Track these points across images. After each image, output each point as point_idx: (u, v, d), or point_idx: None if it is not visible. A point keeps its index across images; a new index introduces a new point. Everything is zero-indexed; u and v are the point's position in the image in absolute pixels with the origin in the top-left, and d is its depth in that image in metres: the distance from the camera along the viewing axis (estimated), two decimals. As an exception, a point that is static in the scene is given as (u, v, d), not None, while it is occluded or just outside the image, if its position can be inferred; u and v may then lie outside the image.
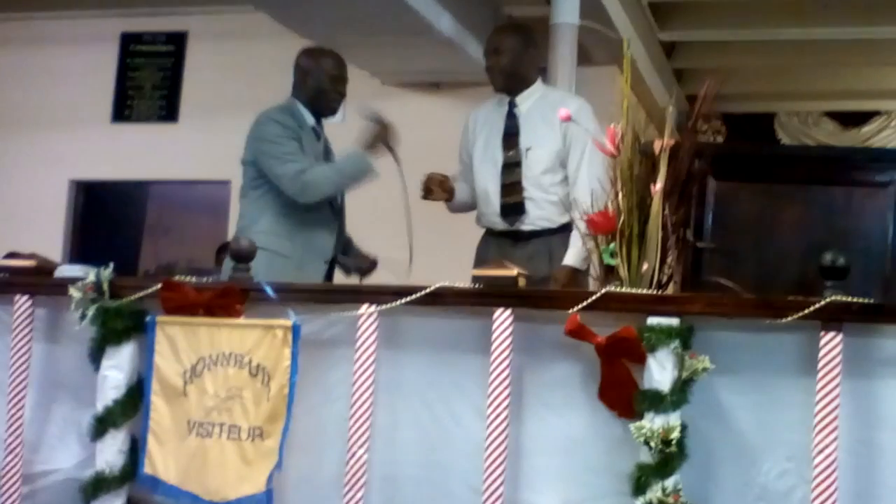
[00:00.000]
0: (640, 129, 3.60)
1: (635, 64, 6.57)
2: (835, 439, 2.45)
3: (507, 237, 4.21)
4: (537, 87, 4.30)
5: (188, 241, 7.95)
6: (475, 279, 2.80)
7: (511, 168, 4.19)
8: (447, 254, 5.08)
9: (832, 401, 2.46)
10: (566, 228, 4.14)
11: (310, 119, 4.38)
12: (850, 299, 2.51)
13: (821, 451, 2.45)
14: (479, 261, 4.09)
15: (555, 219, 4.16)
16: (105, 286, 2.95)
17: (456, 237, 4.72)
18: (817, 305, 2.51)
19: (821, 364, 2.48)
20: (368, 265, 4.52)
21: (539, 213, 4.17)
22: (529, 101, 4.24)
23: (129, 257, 7.69)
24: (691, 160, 2.88)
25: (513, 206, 4.18)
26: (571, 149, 4.08)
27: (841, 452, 2.46)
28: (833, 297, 2.51)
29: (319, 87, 4.37)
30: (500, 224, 4.22)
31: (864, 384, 2.54)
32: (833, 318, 2.50)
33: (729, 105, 8.30)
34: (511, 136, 4.20)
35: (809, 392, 2.50)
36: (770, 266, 3.09)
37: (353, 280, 4.48)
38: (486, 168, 4.24)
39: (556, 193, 4.16)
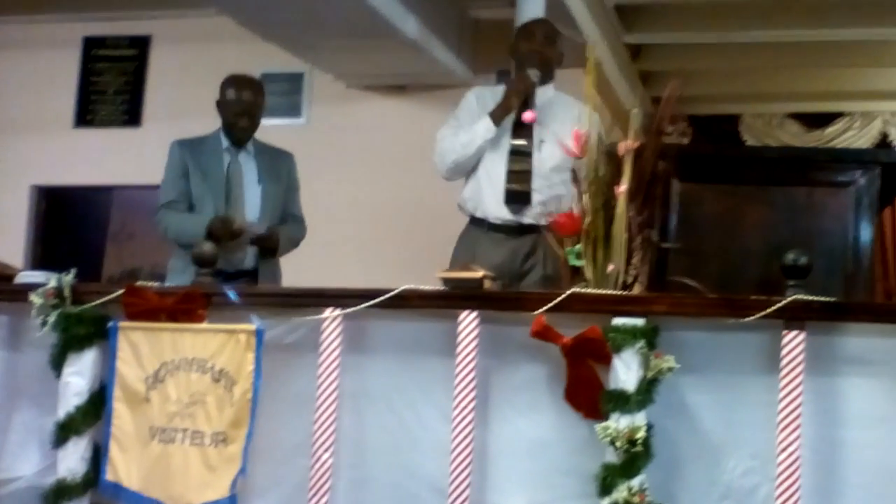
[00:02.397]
0: (606, 131, 3.61)
1: (601, 66, 6.58)
2: (798, 437, 2.47)
3: (501, 230, 4.09)
4: (551, 86, 4.30)
5: (153, 247, 7.87)
6: (441, 281, 2.80)
7: (521, 156, 4.09)
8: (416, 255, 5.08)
9: (795, 399, 2.48)
10: None
11: (224, 144, 4.50)
12: (812, 298, 2.53)
13: (784, 449, 2.47)
14: (464, 256, 3.97)
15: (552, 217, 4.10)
16: (66, 292, 2.92)
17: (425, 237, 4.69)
18: (780, 304, 2.53)
19: (783, 362, 2.50)
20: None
21: (541, 208, 4.11)
22: (546, 95, 4.23)
23: (93, 263, 7.61)
24: (655, 162, 2.89)
25: (519, 194, 4.07)
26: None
27: (804, 450, 2.48)
28: (795, 296, 2.53)
29: (225, 120, 4.51)
30: (498, 212, 4.08)
31: (827, 382, 2.56)
32: (795, 316, 2.52)
33: (694, 107, 8.33)
34: (526, 124, 4.09)
35: (773, 390, 2.52)
36: (734, 266, 3.11)
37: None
38: (491, 151, 4.12)
39: (561, 191, 4.13)
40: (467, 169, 4.16)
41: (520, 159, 4.09)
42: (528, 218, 4.09)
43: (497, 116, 4.09)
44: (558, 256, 4.11)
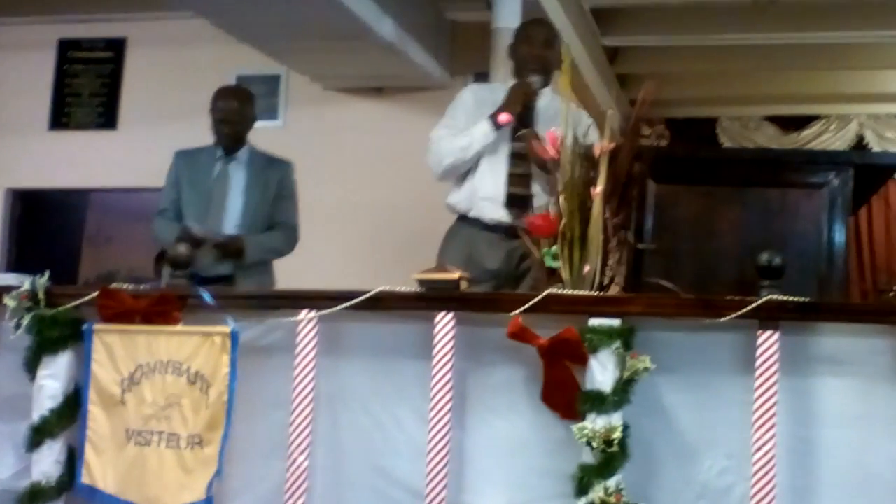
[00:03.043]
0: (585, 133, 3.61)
1: (578, 69, 6.60)
2: (773, 436, 2.48)
3: (496, 231, 4.04)
4: (550, 89, 4.28)
5: (129, 250, 7.84)
6: (417, 283, 2.80)
7: (521, 159, 4.04)
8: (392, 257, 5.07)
9: (770, 398, 2.49)
10: None
11: (217, 153, 4.64)
12: (786, 298, 2.55)
13: (759, 449, 2.48)
14: (457, 254, 3.94)
15: None
16: (41, 295, 2.90)
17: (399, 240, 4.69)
18: (754, 304, 2.54)
19: (758, 362, 2.51)
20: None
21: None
22: (546, 98, 4.21)
23: (69, 266, 7.57)
24: (631, 163, 2.89)
25: (520, 197, 4.02)
26: None
27: (779, 449, 2.49)
28: (770, 297, 2.55)
29: (212, 128, 4.64)
30: (496, 214, 4.04)
31: (802, 381, 2.57)
32: (770, 316, 2.54)
33: (672, 110, 8.37)
34: (526, 126, 4.03)
35: (748, 390, 2.53)
36: (709, 266, 3.12)
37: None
38: (490, 153, 4.09)
39: None
40: (462, 171, 4.13)
41: (520, 162, 4.05)
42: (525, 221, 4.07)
43: (496, 121, 4.06)
44: None
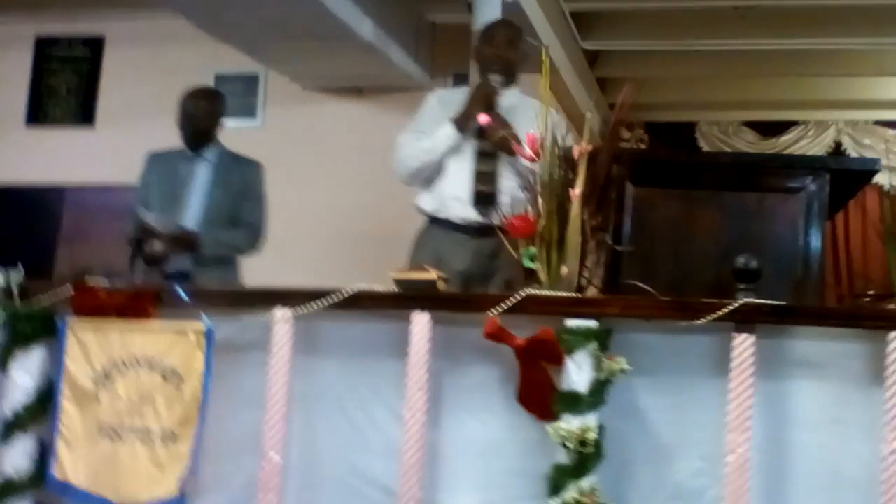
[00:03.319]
0: (564, 136, 3.62)
1: (558, 72, 6.61)
2: (747, 439, 2.49)
3: (464, 231, 4.07)
4: (515, 89, 4.29)
5: (105, 247, 7.80)
6: (394, 282, 2.79)
7: (487, 157, 4.07)
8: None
9: (744, 401, 2.50)
10: None
11: (186, 153, 4.72)
12: (762, 301, 2.55)
13: (733, 451, 2.49)
14: (426, 256, 3.94)
15: None
16: (14, 289, 2.88)
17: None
18: (730, 307, 2.54)
19: (733, 364, 2.51)
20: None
21: (509, 210, 4.07)
22: (511, 98, 4.21)
23: (46, 263, 7.52)
24: (610, 166, 2.90)
25: (487, 195, 4.05)
26: None
27: (753, 452, 2.50)
28: (746, 300, 2.55)
29: (178, 126, 4.74)
30: (464, 213, 4.06)
31: (776, 384, 2.58)
32: (746, 319, 2.54)
33: (651, 114, 8.41)
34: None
35: (723, 392, 2.53)
36: (686, 269, 3.12)
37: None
38: (455, 153, 4.09)
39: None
40: (428, 174, 4.14)
41: (486, 161, 4.07)
42: (493, 219, 4.07)
43: (459, 124, 4.08)
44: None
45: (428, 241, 4.14)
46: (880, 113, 8.32)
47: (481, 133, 4.08)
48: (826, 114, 8.47)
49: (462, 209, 4.06)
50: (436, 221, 4.14)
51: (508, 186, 4.03)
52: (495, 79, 4.12)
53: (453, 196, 4.08)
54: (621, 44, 7.42)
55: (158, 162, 4.75)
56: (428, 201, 4.16)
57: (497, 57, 4.19)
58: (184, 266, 4.42)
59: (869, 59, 7.38)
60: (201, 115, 4.72)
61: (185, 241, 4.47)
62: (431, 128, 4.13)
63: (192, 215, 4.60)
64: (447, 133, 4.07)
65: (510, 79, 4.21)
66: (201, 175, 4.68)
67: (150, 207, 4.59)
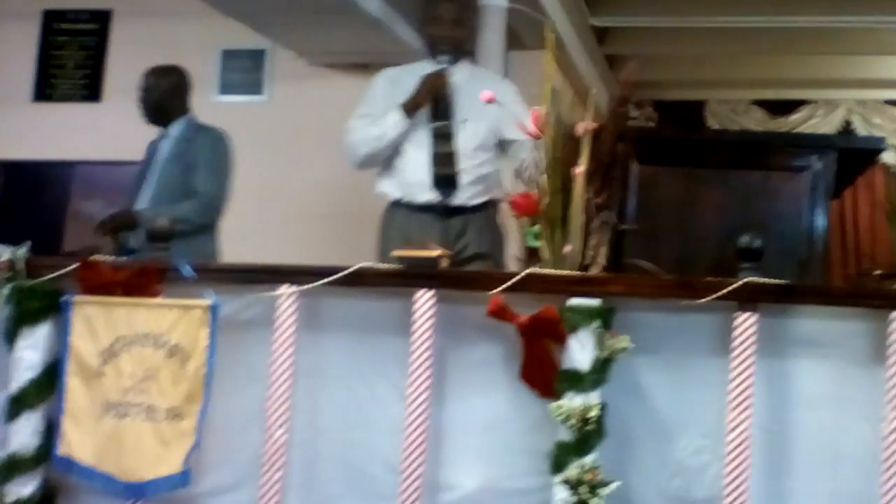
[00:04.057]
0: (569, 113, 3.62)
1: (566, 49, 6.59)
2: (748, 417, 2.50)
3: (429, 212, 4.08)
4: (468, 62, 4.28)
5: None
6: (397, 259, 2.80)
7: (444, 138, 4.07)
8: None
9: (746, 379, 2.51)
10: (490, 206, 4.13)
11: (160, 131, 4.82)
12: (764, 280, 2.56)
13: (734, 429, 2.50)
14: (395, 238, 3.94)
15: (482, 195, 4.12)
16: (20, 265, 2.89)
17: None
18: (733, 286, 2.55)
19: (735, 343, 2.52)
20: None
21: (470, 189, 4.09)
22: (463, 73, 4.20)
23: (54, 240, 7.54)
24: (614, 144, 2.89)
25: (447, 177, 4.05)
26: (507, 123, 3.91)
27: (754, 430, 2.51)
28: (748, 279, 2.55)
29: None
30: (426, 196, 4.07)
31: (779, 363, 2.59)
32: (749, 298, 2.54)
33: (660, 92, 8.37)
34: (445, 105, 4.09)
35: (725, 371, 2.54)
36: (690, 248, 3.12)
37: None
38: (412, 134, 4.09)
39: (487, 169, 4.13)
40: (381, 160, 4.14)
41: (443, 142, 4.07)
42: (456, 200, 4.08)
43: (408, 110, 4.06)
44: (489, 234, 4.15)
45: (395, 223, 4.14)
46: (890, 92, 8.28)
47: (435, 114, 4.07)
48: (836, 93, 8.43)
49: (424, 193, 4.06)
50: (400, 204, 4.14)
51: (468, 165, 4.04)
52: (444, 59, 4.10)
53: (416, 182, 4.08)
54: (630, 20, 7.39)
55: (149, 143, 4.85)
56: (390, 188, 4.16)
57: (444, 37, 4.17)
58: (138, 244, 4.37)
59: (879, 38, 7.34)
60: (152, 91, 4.79)
61: (125, 222, 4.50)
62: (382, 109, 4.13)
63: (147, 193, 4.64)
64: (396, 120, 4.06)
65: (461, 54, 4.19)
66: (163, 151, 4.72)
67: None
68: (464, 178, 4.06)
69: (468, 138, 4.09)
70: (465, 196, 4.08)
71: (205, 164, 4.66)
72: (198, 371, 2.70)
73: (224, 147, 4.76)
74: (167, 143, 4.75)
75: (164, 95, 4.79)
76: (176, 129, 4.77)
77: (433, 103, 4.07)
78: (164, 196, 4.62)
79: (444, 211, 4.07)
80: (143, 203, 4.63)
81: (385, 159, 4.15)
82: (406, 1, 5.60)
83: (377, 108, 4.15)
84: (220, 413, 2.77)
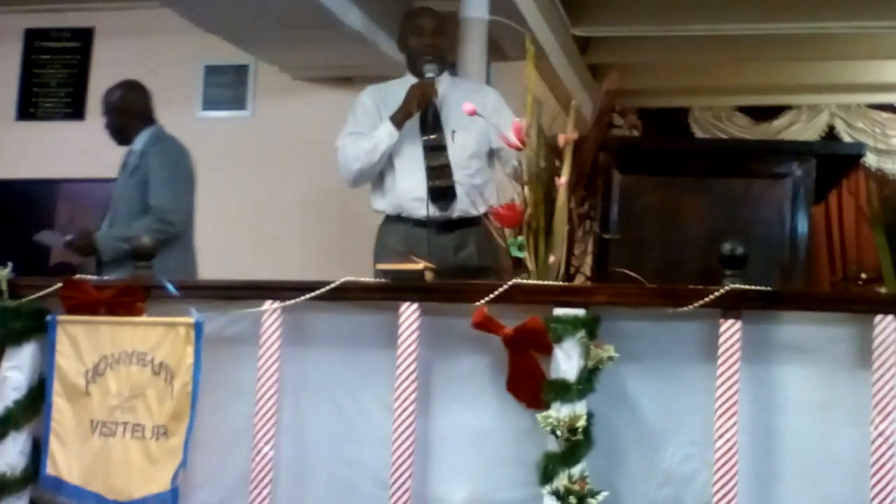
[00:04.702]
0: (551, 123, 3.63)
1: (548, 59, 6.60)
2: (735, 424, 2.50)
3: (427, 226, 4.02)
4: (448, 74, 4.30)
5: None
6: (381, 273, 2.80)
7: (436, 151, 4.06)
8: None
9: (732, 386, 2.51)
10: (487, 217, 4.12)
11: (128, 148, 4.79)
12: (748, 287, 2.56)
13: (721, 436, 2.50)
14: (392, 253, 3.92)
15: (479, 207, 4.10)
16: (3, 286, 2.89)
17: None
18: (717, 293, 2.56)
19: (720, 350, 2.53)
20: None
21: (466, 200, 4.07)
22: (444, 84, 4.21)
23: (39, 258, 7.51)
24: (596, 153, 2.90)
25: (443, 190, 4.03)
26: (495, 131, 3.84)
27: (741, 436, 2.51)
28: (732, 286, 2.56)
29: None
30: (422, 210, 4.02)
31: (764, 369, 2.59)
32: (732, 305, 2.55)
33: (644, 100, 8.41)
34: (433, 117, 4.09)
35: (711, 378, 2.54)
36: (674, 256, 3.13)
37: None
38: (404, 150, 4.08)
39: (481, 178, 4.14)
40: (373, 175, 4.13)
41: (436, 154, 4.06)
42: (454, 212, 4.08)
43: (398, 121, 4.06)
44: (490, 247, 4.14)
45: (395, 235, 4.12)
46: (873, 96, 8.32)
47: (425, 127, 4.07)
48: (819, 98, 8.47)
49: (422, 207, 4.02)
50: (396, 219, 4.13)
51: (462, 176, 4.04)
52: (431, 68, 4.11)
53: (412, 197, 4.06)
54: (612, 30, 7.41)
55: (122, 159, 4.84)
56: (385, 204, 4.15)
57: (426, 46, 4.18)
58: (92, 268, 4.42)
59: (861, 43, 7.38)
60: (106, 112, 4.80)
61: (84, 247, 4.53)
62: (368, 127, 4.13)
63: (111, 212, 4.65)
64: (387, 131, 4.05)
65: (443, 66, 4.20)
66: (129, 165, 4.69)
67: None
68: (460, 189, 4.05)
69: (460, 148, 4.09)
70: (461, 208, 4.07)
71: (155, 178, 4.56)
72: (184, 388, 2.69)
73: (175, 157, 4.67)
74: (132, 157, 4.69)
75: (116, 113, 4.76)
76: (139, 142, 4.70)
77: (422, 114, 4.07)
78: (122, 213, 4.57)
79: (442, 225, 4.06)
80: (106, 223, 4.61)
81: (378, 176, 4.14)
82: (387, 14, 5.62)
83: (365, 124, 4.15)
84: (207, 430, 2.77)
